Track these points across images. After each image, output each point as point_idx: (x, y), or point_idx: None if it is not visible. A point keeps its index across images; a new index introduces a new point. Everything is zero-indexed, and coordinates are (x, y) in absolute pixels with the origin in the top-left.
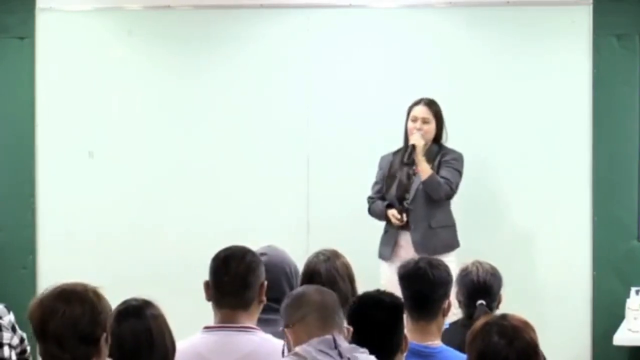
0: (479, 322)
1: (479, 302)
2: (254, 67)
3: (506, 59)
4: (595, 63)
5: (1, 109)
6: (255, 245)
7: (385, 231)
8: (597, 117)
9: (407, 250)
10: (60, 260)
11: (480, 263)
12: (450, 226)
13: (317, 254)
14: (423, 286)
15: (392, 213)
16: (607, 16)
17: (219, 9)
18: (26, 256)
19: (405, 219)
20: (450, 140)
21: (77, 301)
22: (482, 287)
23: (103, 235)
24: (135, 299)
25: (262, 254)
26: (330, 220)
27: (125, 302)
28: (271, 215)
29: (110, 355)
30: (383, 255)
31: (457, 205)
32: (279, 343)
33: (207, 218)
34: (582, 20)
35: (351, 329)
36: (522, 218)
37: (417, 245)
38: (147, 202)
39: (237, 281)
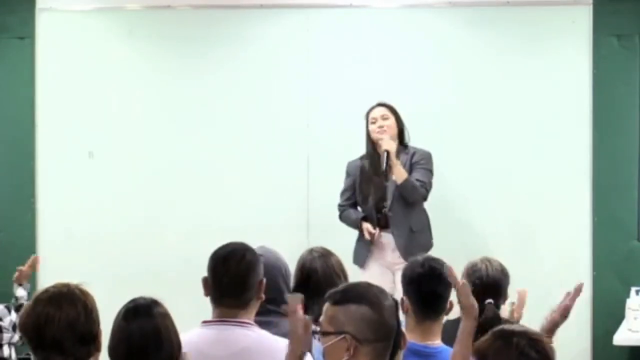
0: (489, 338)
1: (488, 301)
2: (254, 66)
3: (506, 59)
4: (595, 63)
5: (1, 109)
6: (254, 246)
7: (359, 237)
8: (597, 117)
9: (380, 257)
10: (60, 260)
11: (489, 260)
12: (427, 227)
13: (310, 251)
14: (438, 286)
15: (367, 227)
16: (607, 16)
17: (218, 9)
18: (26, 256)
19: (377, 234)
20: (450, 140)
21: (68, 304)
22: (491, 285)
23: (103, 235)
24: (143, 298)
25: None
26: (330, 220)
27: (133, 301)
28: (271, 215)
29: (117, 354)
30: (357, 261)
31: (457, 205)
32: (275, 340)
33: (207, 218)
34: (582, 20)
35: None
36: (522, 218)
37: (402, 250)
38: (147, 202)
39: (236, 282)
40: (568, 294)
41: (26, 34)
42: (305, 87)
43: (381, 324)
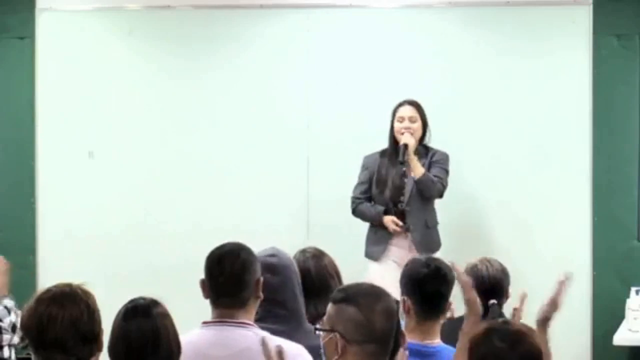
0: (480, 329)
1: (491, 302)
2: (254, 66)
3: (506, 59)
4: (595, 63)
5: (1, 109)
6: (255, 246)
7: (375, 232)
8: (597, 117)
9: (398, 251)
10: (60, 260)
11: (489, 261)
12: (437, 225)
13: (303, 252)
14: (442, 286)
15: (392, 219)
16: (607, 16)
17: (219, 8)
18: (26, 256)
19: (402, 224)
20: (451, 140)
21: (71, 303)
22: (492, 286)
23: (103, 235)
24: (143, 298)
25: (272, 255)
26: (330, 220)
27: (133, 301)
28: (271, 215)
29: (116, 353)
30: (373, 255)
31: (456, 205)
32: (275, 340)
33: (207, 218)
34: (582, 20)
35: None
36: (522, 218)
37: (418, 246)
38: (147, 202)
39: (232, 281)
40: (561, 283)
41: (26, 34)
42: (305, 87)
43: (369, 326)
